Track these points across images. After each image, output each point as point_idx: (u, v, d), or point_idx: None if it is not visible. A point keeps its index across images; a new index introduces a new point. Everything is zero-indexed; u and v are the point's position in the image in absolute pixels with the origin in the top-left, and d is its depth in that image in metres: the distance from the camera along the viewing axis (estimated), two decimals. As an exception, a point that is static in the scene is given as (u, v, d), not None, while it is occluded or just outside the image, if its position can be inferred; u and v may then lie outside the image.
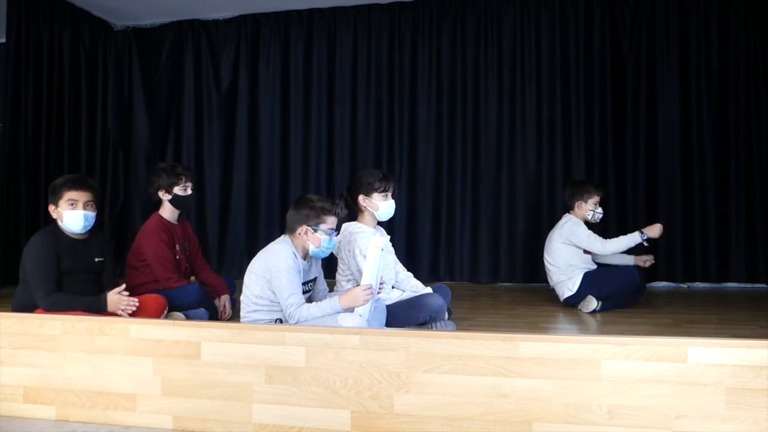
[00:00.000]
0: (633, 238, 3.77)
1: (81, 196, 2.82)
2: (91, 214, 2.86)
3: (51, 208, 2.85)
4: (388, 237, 2.89)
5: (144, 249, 3.32)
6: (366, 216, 3.13)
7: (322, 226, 2.69)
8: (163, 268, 3.28)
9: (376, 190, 3.08)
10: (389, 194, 3.11)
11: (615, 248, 3.79)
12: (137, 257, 3.35)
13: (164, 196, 3.42)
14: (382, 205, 3.09)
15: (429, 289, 3.17)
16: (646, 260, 4.02)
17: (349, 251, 3.05)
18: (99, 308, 2.74)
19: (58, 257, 2.78)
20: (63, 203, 2.81)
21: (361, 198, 3.10)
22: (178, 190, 3.41)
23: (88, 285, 2.88)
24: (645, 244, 3.80)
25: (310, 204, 2.71)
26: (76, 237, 2.87)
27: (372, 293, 2.57)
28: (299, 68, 5.62)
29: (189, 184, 3.45)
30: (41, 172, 5.02)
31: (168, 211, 3.44)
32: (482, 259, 5.23)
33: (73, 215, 2.81)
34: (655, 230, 3.77)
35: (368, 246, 2.61)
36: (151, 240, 3.32)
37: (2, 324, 2.48)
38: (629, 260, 4.02)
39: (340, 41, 5.55)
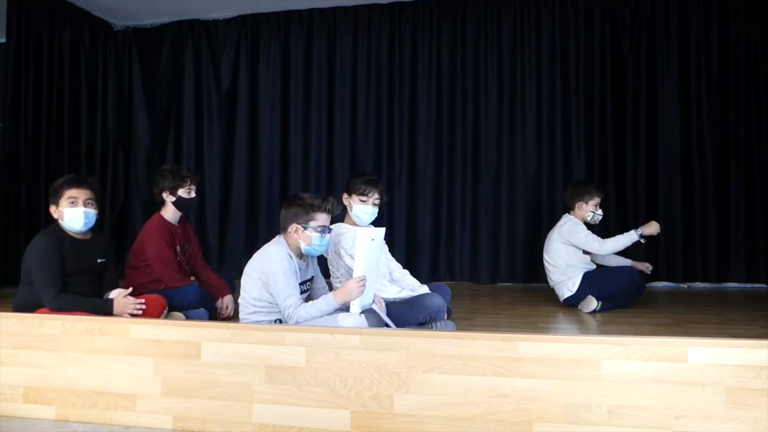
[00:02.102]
0: (630, 237, 3.77)
1: (81, 193, 2.83)
2: (92, 212, 2.86)
3: (52, 208, 2.85)
4: (383, 229, 2.79)
5: (146, 249, 3.32)
6: (350, 216, 3.15)
7: (312, 224, 2.65)
8: (165, 268, 3.29)
9: (356, 191, 3.09)
10: (369, 200, 3.09)
11: (613, 247, 3.79)
12: (138, 257, 3.35)
13: (168, 198, 3.42)
14: (356, 208, 3.10)
15: (425, 287, 3.17)
16: (647, 267, 3.98)
17: (335, 252, 3.06)
18: (105, 311, 2.75)
19: (62, 258, 2.78)
20: (63, 201, 2.81)
21: (345, 195, 3.14)
22: (182, 192, 3.42)
23: (89, 286, 2.88)
24: (642, 241, 3.80)
25: (299, 201, 2.68)
26: (78, 237, 2.87)
27: (364, 285, 2.52)
28: (299, 68, 5.62)
29: (193, 187, 3.46)
30: (41, 172, 5.02)
31: (170, 212, 3.45)
32: (482, 259, 5.23)
33: (73, 213, 2.81)
34: (651, 228, 3.78)
35: (356, 238, 2.56)
36: (153, 240, 3.32)
37: (2, 324, 2.49)
38: (627, 263, 4.02)
39: (340, 41, 5.55)
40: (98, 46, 5.69)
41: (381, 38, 5.48)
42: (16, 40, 4.86)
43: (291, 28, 5.64)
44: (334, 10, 5.54)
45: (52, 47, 5.18)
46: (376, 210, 3.14)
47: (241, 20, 5.72)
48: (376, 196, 3.11)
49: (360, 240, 2.51)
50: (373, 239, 2.56)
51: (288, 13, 5.62)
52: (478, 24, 5.31)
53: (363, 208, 3.10)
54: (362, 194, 3.08)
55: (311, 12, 5.57)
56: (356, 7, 5.49)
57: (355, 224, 3.13)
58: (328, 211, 2.69)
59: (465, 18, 5.33)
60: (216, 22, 5.79)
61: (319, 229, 2.66)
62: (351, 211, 3.12)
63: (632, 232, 3.79)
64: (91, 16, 5.60)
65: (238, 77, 5.74)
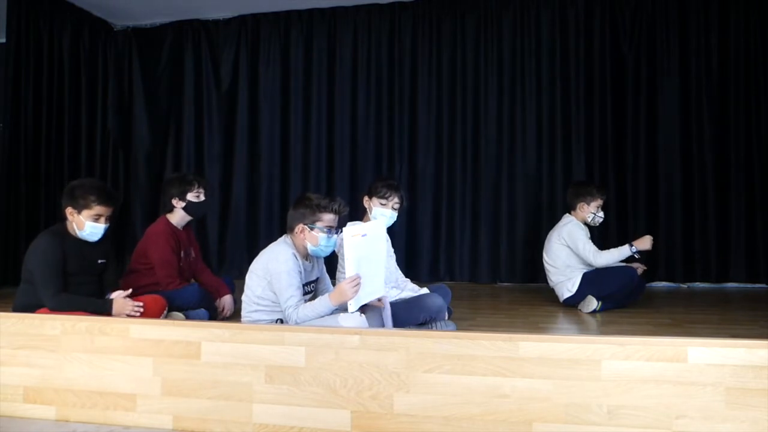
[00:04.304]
0: (623, 252, 3.78)
1: (107, 210, 2.85)
2: (108, 225, 2.89)
3: (69, 210, 2.83)
4: (381, 221, 2.75)
5: (151, 252, 3.33)
6: (368, 218, 3.23)
7: (319, 224, 2.65)
8: (166, 272, 3.30)
9: (376, 194, 3.19)
10: (389, 203, 3.19)
11: (606, 261, 3.79)
12: (140, 260, 3.37)
13: (178, 204, 3.44)
14: (376, 210, 3.19)
15: (425, 290, 3.19)
16: (637, 267, 3.92)
17: None
18: (105, 311, 2.76)
19: (64, 258, 2.79)
20: (87, 213, 2.80)
21: (365, 198, 3.25)
22: (191, 196, 3.45)
23: (90, 286, 2.89)
24: (636, 256, 3.80)
25: (306, 202, 2.68)
26: (81, 239, 2.87)
27: (358, 284, 2.48)
28: (299, 68, 5.62)
29: (201, 191, 3.49)
30: (41, 172, 5.02)
31: (177, 217, 3.47)
32: (482, 259, 5.23)
33: (95, 228, 2.83)
34: (644, 243, 3.78)
35: (344, 237, 2.50)
36: (159, 244, 3.34)
37: (2, 324, 2.48)
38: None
39: (340, 41, 5.55)
40: (98, 46, 5.69)
41: (381, 38, 5.48)
42: (16, 40, 4.86)
43: (291, 28, 5.64)
44: (334, 10, 5.54)
45: (52, 47, 5.18)
46: (395, 214, 3.23)
47: (241, 20, 5.72)
48: (396, 200, 3.21)
49: (348, 239, 2.47)
50: (364, 235, 2.52)
51: (288, 13, 5.62)
52: (478, 24, 5.31)
53: (382, 211, 3.19)
54: (383, 197, 3.18)
55: (311, 12, 5.57)
56: (356, 7, 5.49)
57: None
58: (336, 212, 2.68)
59: (465, 18, 5.33)
60: (216, 22, 5.79)
61: (325, 230, 2.66)
62: (370, 213, 3.22)
63: (626, 247, 3.79)
64: (91, 16, 5.60)
65: (238, 77, 5.74)
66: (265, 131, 5.67)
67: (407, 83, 5.43)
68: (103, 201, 2.82)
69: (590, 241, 3.87)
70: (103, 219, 2.84)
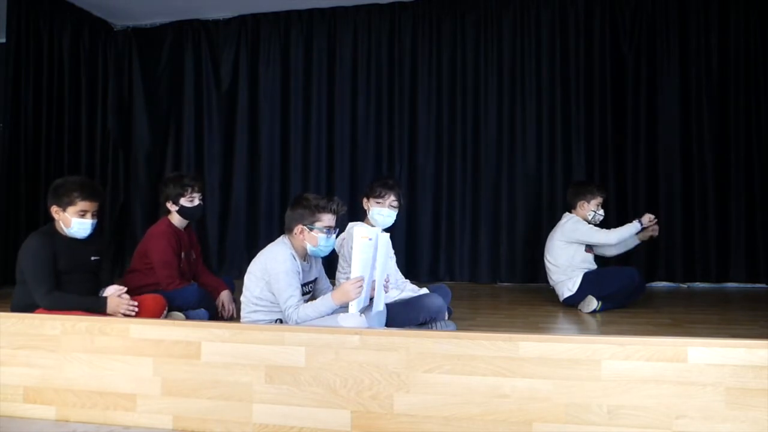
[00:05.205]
0: (633, 226, 3.84)
1: (92, 206, 2.84)
2: (96, 221, 2.88)
3: (54, 209, 2.82)
4: (387, 235, 2.80)
5: (151, 252, 3.33)
6: (369, 219, 3.24)
7: (318, 224, 2.65)
8: (166, 272, 3.30)
9: (372, 194, 3.21)
10: (384, 202, 3.19)
11: (618, 236, 3.84)
12: (142, 260, 3.37)
13: (172, 207, 3.44)
14: (373, 210, 3.21)
15: (425, 290, 3.19)
16: (652, 219, 3.89)
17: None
18: (99, 310, 2.75)
19: (54, 256, 2.78)
20: (72, 210, 2.80)
21: (364, 199, 3.26)
22: (184, 201, 3.43)
23: (85, 284, 2.89)
24: (641, 226, 3.87)
25: (304, 203, 2.68)
26: (72, 237, 2.87)
27: (362, 285, 2.50)
28: (299, 68, 5.61)
29: (196, 195, 3.46)
30: (41, 172, 5.02)
31: (177, 219, 3.47)
32: (482, 259, 5.23)
33: (82, 224, 2.82)
34: (646, 217, 3.86)
35: (354, 237, 2.55)
36: (160, 244, 3.34)
37: (2, 324, 2.49)
38: (633, 239, 3.96)
39: (340, 41, 5.55)
40: (98, 46, 5.69)
41: (381, 38, 5.48)
42: (16, 40, 4.86)
43: (291, 28, 5.64)
44: (334, 10, 5.54)
45: (52, 47, 5.17)
46: (393, 212, 3.23)
47: (241, 20, 5.72)
48: (392, 198, 3.20)
49: (358, 239, 2.49)
50: (370, 239, 2.54)
51: (288, 13, 5.62)
52: (478, 24, 5.31)
53: (379, 210, 3.19)
54: (378, 197, 3.19)
55: (311, 12, 5.57)
56: (356, 7, 5.49)
57: (373, 226, 3.17)
58: (334, 212, 2.69)
59: (465, 18, 5.32)
60: (216, 22, 5.79)
61: (324, 230, 2.66)
62: (369, 214, 3.22)
63: (635, 222, 3.86)
64: (91, 16, 5.60)
65: (238, 77, 5.74)
66: (265, 131, 5.67)
67: (407, 83, 5.42)
68: (86, 196, 2.81)
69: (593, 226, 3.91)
70: (89, 215, 2.82)
